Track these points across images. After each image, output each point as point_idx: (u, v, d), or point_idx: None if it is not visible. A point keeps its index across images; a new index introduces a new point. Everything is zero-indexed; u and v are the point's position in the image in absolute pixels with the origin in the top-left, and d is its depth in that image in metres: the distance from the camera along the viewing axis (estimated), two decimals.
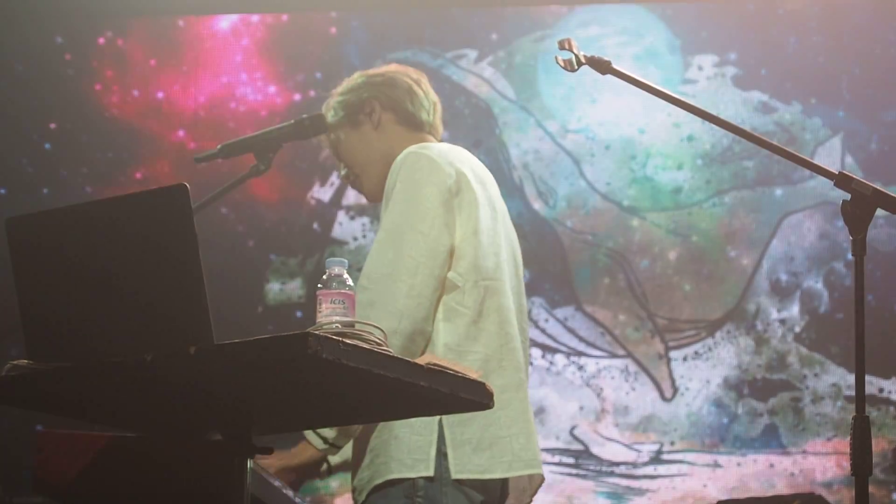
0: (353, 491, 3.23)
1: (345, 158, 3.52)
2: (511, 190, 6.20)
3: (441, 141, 3.56)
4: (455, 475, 3.12)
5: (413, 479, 3.12)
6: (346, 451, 3.34)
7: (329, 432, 3.22)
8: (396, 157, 3.34)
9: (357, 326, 2.42)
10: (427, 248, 3.17)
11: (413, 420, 3.12)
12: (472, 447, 3.13)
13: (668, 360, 6.14)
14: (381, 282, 3.13)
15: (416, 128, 3.50)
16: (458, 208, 3.23)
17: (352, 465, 3.26)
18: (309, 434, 3.23)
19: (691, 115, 3.33)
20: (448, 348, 3.14)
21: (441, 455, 3.12)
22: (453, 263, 3.21)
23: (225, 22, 6.54)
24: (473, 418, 3.12)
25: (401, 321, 3.09)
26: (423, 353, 3.12)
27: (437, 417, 3.13)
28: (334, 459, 3.36)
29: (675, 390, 6.12)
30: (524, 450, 3.18)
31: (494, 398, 3.11)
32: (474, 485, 3.14)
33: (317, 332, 2.28)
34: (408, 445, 3.13)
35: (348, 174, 3.53)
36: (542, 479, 3.30)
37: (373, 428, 3.18)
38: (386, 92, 3.52)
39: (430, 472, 3.11)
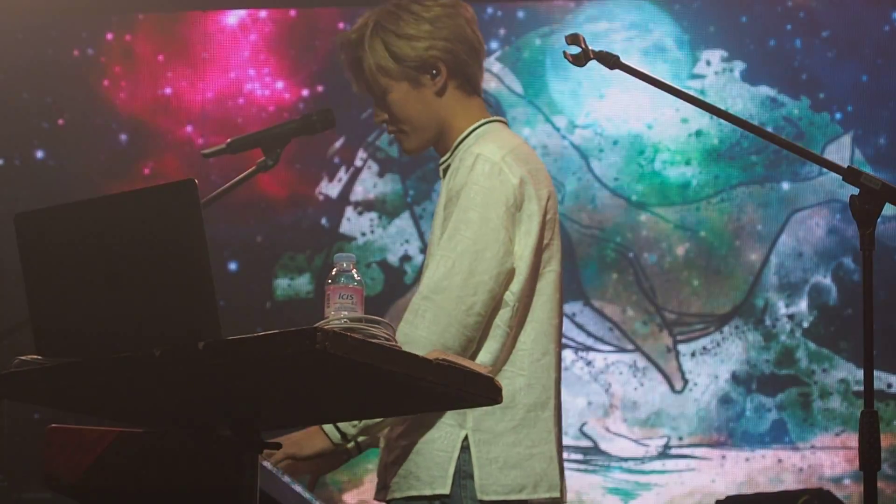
0: (378, 490, 3.18)
1: (394, 112, 3.26)
2: None
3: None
4: (480, 496, 3.02)
5: (429, 496, 3.04)
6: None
7: (349, 428, 3.08)
8: (454, 125, 3.23)
9: (365, 322, 2.41)
10: (495, 272, 3.07)
11: (437, 434, 3.05)
12: (499, 466, 3.04)
13: (677, 353, 6.14)
14: (445, 294, 3.04)
15: (473, 91, 3.30)
16: (518, 223, 3.12)
17: (378, 466, 3.19)
18: (327, 427, 3.09)
19: (700, 111, 3.34)
20: (483, 364, 3.07)
21: (463, 474, 3.04)
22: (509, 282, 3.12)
23: (233, 17, 6.54)
24: (500, 437, 3.06)
25: (454, 338, 3.02)
26: None
27: (464, 434, 3.06)
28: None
29: (685, 382, 6.12)
30: (546, 472, 3.09)
31: (521, 417, 3.08)
32: None
33: (325, 328, 2.27)
34: (427, 461, 3.05)
35: (392, 126, 3.29)
36: None
37: (397, 432, 3.11)
38: (454, 52, 3.26)
39: (446, 491, 3.03)
